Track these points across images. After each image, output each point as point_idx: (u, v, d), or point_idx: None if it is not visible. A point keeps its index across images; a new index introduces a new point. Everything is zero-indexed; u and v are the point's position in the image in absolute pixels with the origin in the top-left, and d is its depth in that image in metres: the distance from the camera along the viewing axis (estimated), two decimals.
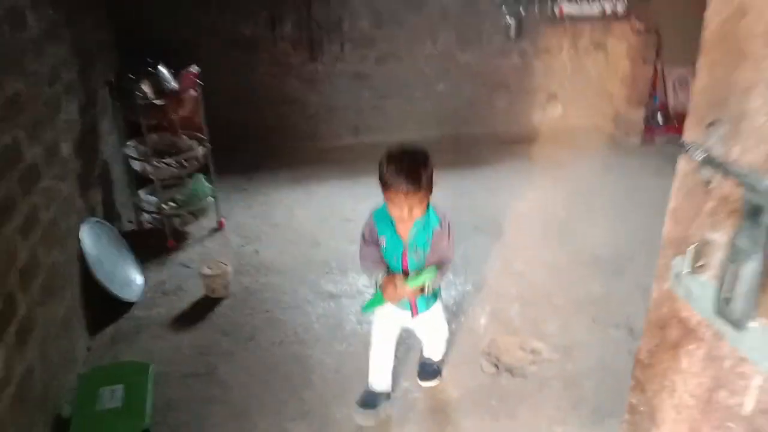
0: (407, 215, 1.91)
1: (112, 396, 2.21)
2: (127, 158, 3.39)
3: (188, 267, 3.16)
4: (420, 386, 2.39)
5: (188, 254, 3.29)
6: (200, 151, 3.44)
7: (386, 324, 2.21)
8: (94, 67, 3.24)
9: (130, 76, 3.19)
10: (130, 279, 3.00)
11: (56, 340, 2.32)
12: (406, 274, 2.00)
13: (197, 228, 3.55)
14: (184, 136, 3.50)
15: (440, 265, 2.00)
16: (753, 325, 0.71)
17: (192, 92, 3.30)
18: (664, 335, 0.88)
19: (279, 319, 2.77)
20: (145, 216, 3.52)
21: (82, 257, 2.69)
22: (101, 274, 2.76)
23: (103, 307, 2.77)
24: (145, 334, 2.70)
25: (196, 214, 3.59)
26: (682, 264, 0.81)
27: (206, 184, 3.55)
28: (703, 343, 0.80)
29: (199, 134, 3.48)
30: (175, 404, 2.32)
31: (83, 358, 2.57)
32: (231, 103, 4.20)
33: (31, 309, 2.11)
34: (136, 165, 3.34)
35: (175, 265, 3.19)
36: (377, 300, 2.05)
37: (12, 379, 1.90)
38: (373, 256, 2.03)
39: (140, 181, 3.50)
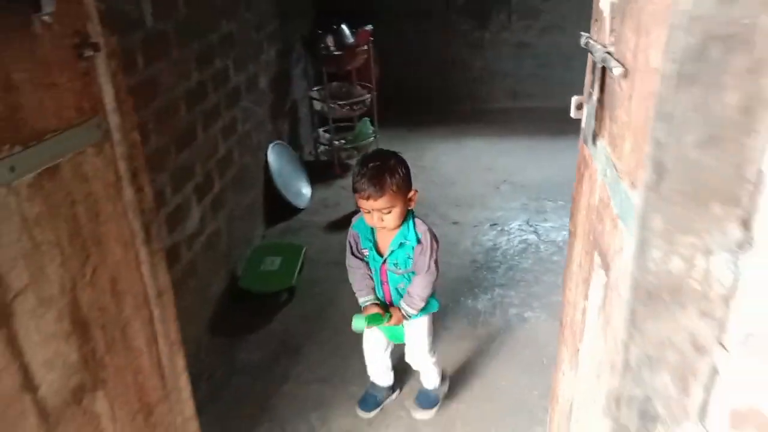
0: (378, 223, 1.82)
1: (272, 263, 2.98)
2: (311, 100, 4.19)
3: (346, 190, 3.87)
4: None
5: (348, 181, 3.99)
6: (369, 98, 4.12)
7: (374, 333, 2.13)
8: (292, 22, 4.05)
9: (319, 31, 3.96)
10: (302, 192, 3.79)
11: (239, 221, 3.14)
12: (387, 290, 1.99)
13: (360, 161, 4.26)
14: (357, 85, 4.21)
15: (414, 289, 1.91)
16: (598, 143, 1.10)
17: (365, 47, 3.98)
18: (581, 173, 1.28)
19: None
20: (321, 148, 4.31)
21: (266, 168, 3.51)
22: (280, 184, 3.56)
23: (278, 209, 3.58)
24: (306, 232, 3.45)
25: (360, 150, 4.29)
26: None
27: (370, 126, 4.24)
28: (589, 168, 1.19)
29: (368, 84, 4.16)
30: (317, 280, 3.01)
31: (258, 240, 3.39)
32: (402, 62, 4.84)
33: (223, 190, 2.92)
34: (318, 106, 4.13)
35: (336, 187, 3.93)
36: (369, 320, 1.94)
37: (204, 232, 2.71)
38: (359, 272, 1.98)
39: (319, 120, 4.30)
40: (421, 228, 1.88)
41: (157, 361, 1.64)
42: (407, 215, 1.87)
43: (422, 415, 2.15)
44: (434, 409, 2.17)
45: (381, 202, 1.77)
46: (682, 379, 0.73)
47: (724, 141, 0.59)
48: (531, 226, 3.37)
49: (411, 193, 1.86)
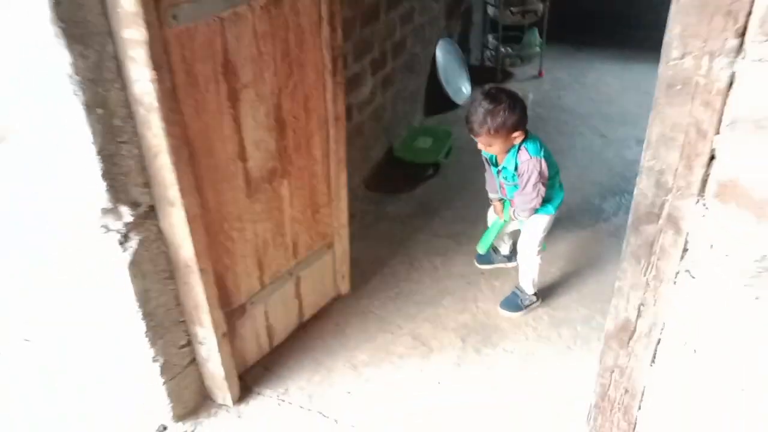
0: (484, 149, 2.15)
1: (425, 141, 3.41)
2: (485, 5, 4.44)
3: None
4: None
5: (509, 86, 4.26)
6: (541, 9, 4.28)
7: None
8: None
9: None
10: (462, 89, 4.13)
11: (403, 102, 3.58)
12: (503, 191, 2.29)
13: (522, 71, 4.49)
14: None
15: (518, 205, 2.20)
16: None
17: None
18: None
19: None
20: (487, 53, 4.58)
21: (433, 61, 3.88)
22: (443, 78, 3.93)
23: (438, 100, 3.96)
24: (458, 125, 3.78)
25: (525, 60, 4.50)
26: None
27: (539, 38, 4.42)
28: None
29: None
30: (460, 163, 3.38)
31: (416, 123, 3.82)
32: None
33: (394, 71, 3.35)
34: (491, 11, 4.38)
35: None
36: (490, 234, 2.39)
37: (373, 102, 3.17)
38: (487, 174, 2.34)
39: (491, 27, 4.54)
40: (523, 158, 2.10)
41: (327, 171, 2.14)
42: (516, 145, 2.10)
43: (504, 314, 2.35)
44: (518, 314, 2.34)
45: (480, 139, 2.08)
46: (688, 158, 1.03)
47: None
48: None
49: (515, 134, 2.06)
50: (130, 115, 1.51)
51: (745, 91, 0.93)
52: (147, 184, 1.61)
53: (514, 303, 2.37)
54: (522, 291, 2.37)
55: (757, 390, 1.15)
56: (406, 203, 3.06)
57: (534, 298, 2.37)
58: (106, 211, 1.56)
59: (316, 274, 2.27)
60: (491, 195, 2.39)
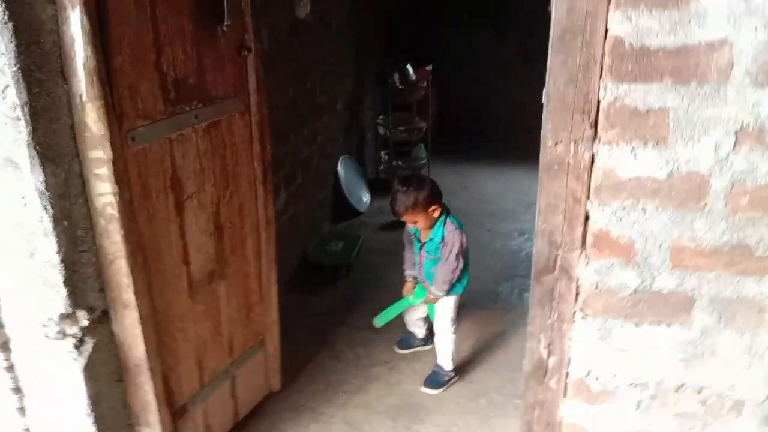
0: (413, 225, 2.46)
1: (336, 245, 3.69)
2: (376, 126, 4.96)
3: None
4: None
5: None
6: (425, 127, 4.85)
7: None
8: (367, 59, 4.85)
9: (387, 69, 4.75)
10: (363, 199, 4.51)
11: (313, 211, 3.87)
12: (421, 269, 2.54)
13: None
14: (416, 116, 4.95)
15: (439, 276, 2.43)
16: None
17: (424, 84, 4.74)
18: None
19: None
20: (381, 167, 5.05)
21: (336, 175, 4.25)
22: (346, 189, 4.29)
23: (342, 210, 4.29)
24: (364, 229, 4.15)
25: (414, 171, 4.99)
26: None
27: (425, 152, 4.96)
28: None
29: (426, 115, 4.90)
30: (369, 263, 3.67)
31: (325, 231, 4.10)
32: (458, 99, 5.56)
33: (304, 184, 3.66)
34: (381, 131, 4.89)
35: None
36: (392, 310, 2.62)
37: (287, 212, 3.43)
38: (408, 251, 2.61)
39: (382, 144, 5.05)
40: (449, 228, 2.41)
41: (259, 272, 2.33)
42: (440, 218, 2.42)
43: (428, 391, 2.55)
44: (439, 390, 2.55)
45: (405, 218, 2.43)
46: (569, 220, 1.37)
47: (576, 81, 1.25)
48: None
49: (432, 207, 2.38)
50: (91, 226, 1.66)
51: (601, 166, 1.30)
52: (102, 290, 1.73)
53: (435, 381, 2.59)
54: (441, 368, 2.60)
55: (653, 404, 1.45)
56: (324, 302, 3.26)
57: (452, 374, 2.60)
58: (63, 317, 1.66)
59: (251, 371, 2.38)
60: (407, 273, 2.65)
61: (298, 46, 3.45)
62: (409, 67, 4.77)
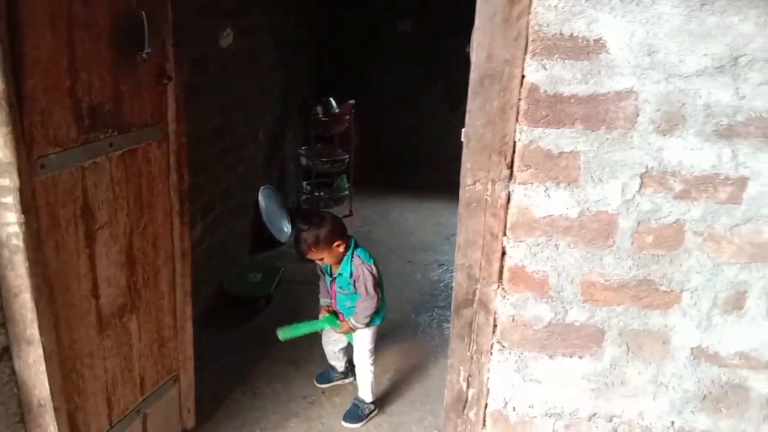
0: (321, 263, 2.49)
1: (255, 276, 3.62)
2: (299, 157, 4.95)
3: None
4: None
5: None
6: (347, 159, 4.89)
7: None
8: (292, 92, 4.86)
9: (311, 101, 4.77)
10: (283, 229, 4.46)
11: (231, 243, 3.79)
12: (334, 303, 2.58)
13: (335, 211, 4.95)
14: (338, 148, 4.98)
15: (358, 308, 2.46)
16: None
17: (347, 117, 4.79)
18: None
19: None
20: (303, 197, 5.03)
21: (257, 205, 4.19)
22: (266, 220, 4.23)
23: (263, 240, 4.23)
24: (284, 260, 4.09)
25: (336, 201, 5.01)
26: None
27: (347, 183, 4.99)
28: None
29: (348, 148, 4.94)
30: (289, 293, 3.62)
31: (244, 261, 4.02)
32: (381, 134, 5.64)
33: (222, 214, 3.59)
34: (304, 161, 4.89)
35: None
36: (300, 328, 2.60)
37: (203, 243, 3.35)
38: (321, 282, 2.64)
39: (304, 174, 5.04)
40: (356, 262, 2.43)
41: (173, 305, 2.26)
42: (347, 253, 2.44)
43: (348, 426, 2.55)
44: (360, 424, 2.55)
45: (310, 257, 2.43)
46: (487, 255, 1.41)
47: (494, 124, 1.30)
48: None
49: (336, 243, 2.40)
50: None
51: (517, 204, 1.36)
52: (4, 324, 1.62)
53: (355, 414, 2.57)
54: (362, 402, 2.59)
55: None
56: (242, 335, 3.18)
57: (372, 407, 2.59)
58: None
59: (163, 409, 2.28)
60: (322, 301, 2.66)
61: (224, 76, 3.42)
62: (332, 99, 4.81)
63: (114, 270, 1.93)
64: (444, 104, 5.69)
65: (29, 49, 1.51)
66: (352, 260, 2.45)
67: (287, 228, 4.51)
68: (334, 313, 2.59)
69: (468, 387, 1.53)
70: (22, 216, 1.53)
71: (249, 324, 3.30)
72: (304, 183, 5.06)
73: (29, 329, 1.62)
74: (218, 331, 3.17)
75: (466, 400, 1.55)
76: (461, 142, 1.43)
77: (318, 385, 2.78)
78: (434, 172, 5.87)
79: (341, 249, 2.43)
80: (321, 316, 2.61)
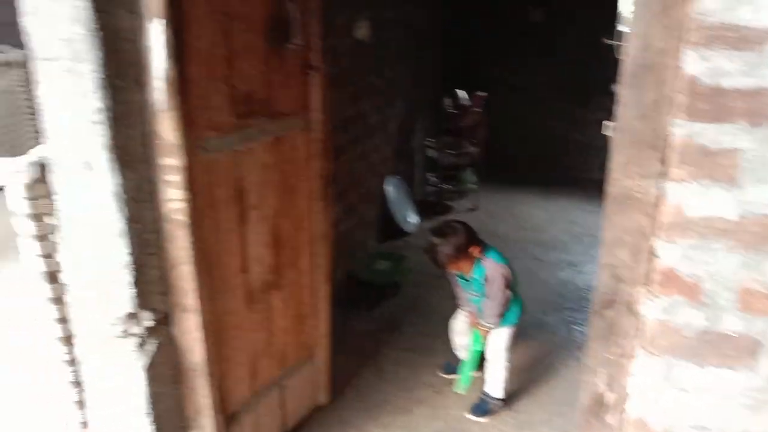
0: (455, 271, 2.48)
1: (383, 264, 3.70)
2: (426, 149, 4.99)
3: None
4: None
5: (447, 217, 4.71)
6: (474, 152, 4.86)
7: (459, 317, 2.72)
8: (422, 83, 4.91)
9: (440, 93, 4.79)
10: (409, 219, 4.52)
11: (360, 230, 3.90)
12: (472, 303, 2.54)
13: (459, 205, 4.97)
14: (466, 141, 4.97)
15: (486, 309, 2.44)
16: None
17: (477, 110, 4.75)
18: None
19: None
20: (428, 189, 5.07)
21: (384, 195, 4.28)
22: (393, 209, 4.32)
23: (389, 229, 4.31)
24: (409, 250, 4.15)
25: (461, 195, 5.00)
26: None
27: (473, 176, 4.96)
28: None
29: (475, 140, 4.91)
30: (414, 284, 3.67)
31: (371, 249, 4.13)
32: (507, 127, 5.56)
33: (353, 202, 3.70)
34: (431, 154, 4.92)
35: (437, 221, 4.63)
36: (465, 369, 2.59)
37: (336, 228, 3.47)
38: (455, 287, 2.63)
39: (431, 166, 5.08)
40: (488, 265, 2.43)
41: (312, 285, 2.36)
42: (478, 258, 2.43)
43: (474, 419, 2.52)
44: (485, 418, 2.51)
45: (449, 268, 2.46)
46: (635, 255, 1.35)
47: (648, 117, 1.24)
48: None
49: (471, 250, 2.41)
50: (157, 230, 1.72)
51: (670, 203, 1.29)
52: (165, 293, 1.79)
53: (482, 408, 2.56)
54: (489, 396, 2.57)
55: None
56: (369, 320, 3.28)
57: (500, 403, 2.57)
58: (129, 317, 1.72)
59: (300, 383, 2.41)
60: (464, 309, 2.66)
61: (357, 67, 3.52)
62: (462, 91, 4.79)
63: (261, 249, 2.06)
64: (575, 97, 5.49)
65: (192, 39, 1.64)
66: (484, 263, 2.44)
67: (413, 219, 4.57)
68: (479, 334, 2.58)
69: (608, 390, 1.48)
70: (185, 193, 1.67)
71: (376, 310, 3.39)
72: (431, 175, 5.09)
73: (187, 298, 1.77)
74: (346, 315, 3.28)
75: (605, 404, 1.50)
76: (592, 137, 1.37)
77: (444, 375, 2.80)
78: (564, 168, 5.71)
79: (477, 254, 2.43)
80: (472, 323, 2.59)
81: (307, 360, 2.41)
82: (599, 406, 1.50)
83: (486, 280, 2.44)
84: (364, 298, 3.46)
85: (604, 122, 1.75)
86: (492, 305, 2.44)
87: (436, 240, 2.42)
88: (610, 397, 1.48)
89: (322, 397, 2.55)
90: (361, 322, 3.26)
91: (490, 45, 5.59)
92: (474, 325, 2.58)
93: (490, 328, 2.50)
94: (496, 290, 2.42)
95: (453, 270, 2.49)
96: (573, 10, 5.28)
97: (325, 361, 2.50)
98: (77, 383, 1.87)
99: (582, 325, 3.26)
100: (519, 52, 5.57)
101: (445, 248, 2.40)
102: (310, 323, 2.40)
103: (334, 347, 2.56)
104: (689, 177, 1.27)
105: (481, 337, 2.54)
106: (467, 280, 2.52)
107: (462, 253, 2.41)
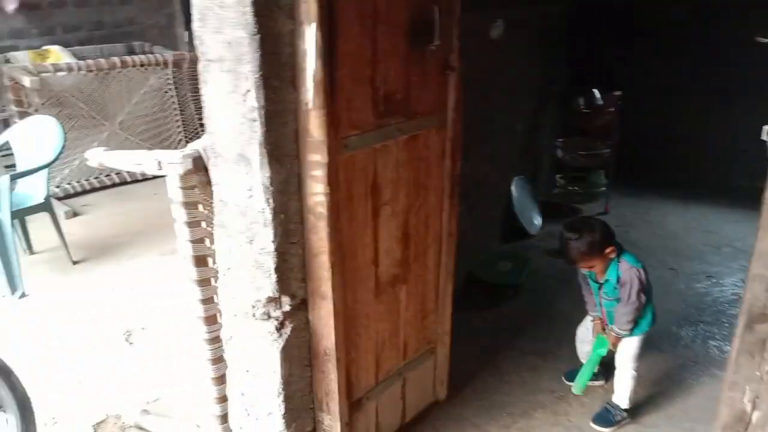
0: (588, 271, 2.42)
1: (505, 265, 3.67)
2: (554, 148, 4.86)
3: None
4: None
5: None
6: (606, 153, 4.68)
7: (585, 322, 2.66)
8: (551, 82, 4.79)
9: (572, 91, 4.65)
10: (533, 221, 4.44)
11: (482, 229, 3.89)
12: (603, 311, 2.48)
13: (588, 208, 4.79)
14: (597, 141, 4.78)
15: (620, 316, 2.36)
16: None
17: (611, 109, 4.57)
18: None
19: None
20: (555, 191, 4.94)
21: (509, 195, 4.24)
22: (517, 210, 4.26)
23: (512, 230, 4.26)
24: (533, 252, 4.08)
25: (591, 198, 4.82)
26: None
27: (603, 178, 4.77)
28: None
29: (608, 141, 4.72)
30: (537, 286, 3.61)
31: (493, 248, 4.10)
32: (642, 129, 5.27)
33: (477, 201, 3.69)
34: (559, 154, 4.79)
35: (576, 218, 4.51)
36: (586, 370, 2.49)
37: (462, 224, 3.48)
38: (584, 290, 2.56)
39: (558, 167, 4.94)
40: (624, 267, 2.34)
41: (437, 281, 2.41)
42: (615, 259, 2.35)
43: (597, 428, 2.46)
44: (610, 429, 2.45)
45: (580, 266, 2.41)
46: None
47: None
48: None
49: (607, 250, 2.33)
50: (301, 221, 1.84)
51: None
52: (304, 280, 1.90)
53: (606, 418, 2.48)
54: (614, 407, 2.49)
55: None
56: (489, 321, 3.27)
57: (625, 414, 2.48)
58: (270, 300, 1.84)
59: (420, 377, 2.46)
60: (591, 314, 2.59)
61: (488, 66, 3.50)
62: (596, 90, 4.63)
63: (392, 243, 2.13)
64: (717, 98, 5.11)
65: (342, 43, 1.72)
66: (619, 265, 2.36)
67: (537, 221, 4.48)
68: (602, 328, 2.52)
69: (753, 408, 1.40)
70: (328, 188, 1.76)
71: (496, 311, 3.38)
72: (558, 176, 4.96)
73: (323, 286, 1.87)
74: (467, 313, 3.28)
75: (749, 422, 1.41)
76: (737, 141, 1.29)
77: (566, 382, 2.73)
78: (703, 173, 5.33)
79: (612, 255, 2.36)
80: (595, 332, 2.54)
81: (428, 354, 2.46)
82: (742, 423, 1.42)
83: (620, 283, 2.36)
84: (484, 298, 3.46)
85: (764, 127, 1.65)
86: (626, 311, 2.36)
87: (570, 235, 2.36)
88: (755, 415, 1.39)
89: (441, 393, 2.58)
90: (481, 322, 3.25)
91: (627, 44, 5.34)
92: (601, 331, 2.50)
93: (621, 336, 2.41)
94: (633, 296, 2.33)
95: (584, 268, 2.42)
96: (718, 8, 4.92)
97: (445, 357, 2.53)
98: (217, 360, 2.04)
99: (719, 340, 3.06)
100: (658, 51, 5.27)
101: (578, 244, 2.34)
102: (433, 318, 2.44)
103: (455, 345, 2.58)
104: None
105: (607, 343, 2.46)
106: (598, 283, 2.45)
107: (596, 251, 2.34)
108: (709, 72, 5.13)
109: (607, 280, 2.40)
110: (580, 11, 4.94)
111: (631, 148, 4.91)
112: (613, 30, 5.26)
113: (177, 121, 5.54)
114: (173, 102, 5.48)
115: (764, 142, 1.72)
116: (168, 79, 5.37)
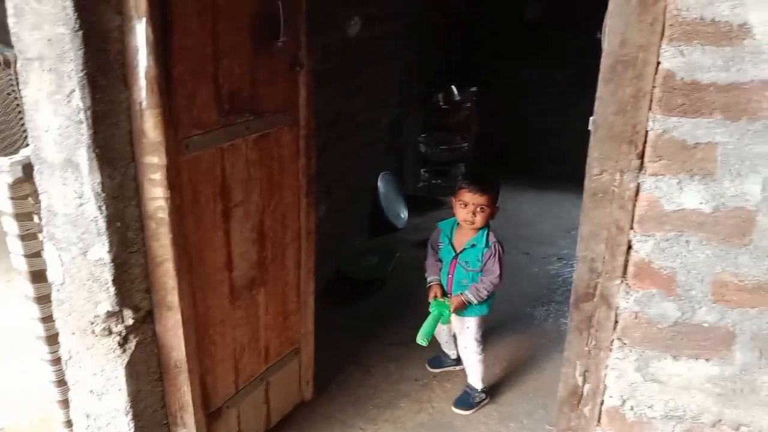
0: (469, 217, 2.35)
1: (371, 260, 3.71)
2: (418, 144, 4.99)
3: (436, 219, 4.55)
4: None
5: (441, 214, 4.71)
6: (465, 147, 4.87)
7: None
8: (413, 80, 4.90)
9: (432, 88, 4.79)
10: (400, 215, 4.53)
11: (348, 226, 3.91)
12: (451, 280, 2.46)
13: (451, 200, 4.96)
14: (457, 136, 4.97)
15: (482, 283, 2.38)
16: None
17: (468, 105, 4.76)
18: None
19: None
20: (420, 185, 5.08)
21: (375, 190, 4.29)
22: (384, 205, 4.33)
23: (380, 225, 4.32)
24: (400, 245, 4.16)
25: (453, 190, 4.99)
26: None
27: (465, 170, 4.97)
28: None
29: (466, 136, 4.92)
30: (403, 279, 3.67)
31: (360, 243, 4.14)
32: (498, 123, 5.55)
33: (341, 198, 3.71)
34: (422, 149, 4.93)
35: (429, 216, 4.64)
36: (428, 325, 2.39)
37: (323, 224, 3.48)
38: (431, 259, 2.54)
39: (422, 162, 5.08)
40: (492, 238, 2.41)
41: (297, 281, 2.37)
42: (486, 225, 2.42)
43: (458, 411, 2.54)
44: (470, 411, 2.54)
45: (482, 199, 2.35)
46: (611, 248, 1.37)
47: (625, 112, 1.26)
48: None
49: (496, 207, 2.43)
50: (141, 228, 1.73)
51: (646, 197, 1.30)
52: (148, 290, 1.80)
53: (466, 401, 2.58)
54: (473, 389, 2.59)
55: None
56: (355, 316, 3.29)
57: (483, 396, 2.59)
58: (110, 314, 1.72)
59: (284, 379, 2.42)
60: (431, 278, 2.53)
61: (348, 63, 3.52)
62: (453, 87, 4.80)
63: (246, 245, 2.07)
64: (568, 94, 5.50)
65: (178, 38, 1.64)
66: (488, 235, 2.42)
67: (404, 214, 4.58)
68: (444, 295, 2.48)
69: (584, 382, 1.50)
70: (168, 191, 1.67)
71: (363, 305, 3.41)
72: (422, 170, 5.10)
73: (170, 296, 1.78)
74: (333, 310, 3.29)
75: (582, 395, 1.52)
76: (584, 134, 1.39)
77: (429, 369, 2.81)
78: (555, 164, 5.70)
79: (494, 216, 2.43)
80: (431, 296, 2.50)
81: (292, 356, 2.43)
82: (576, 397, 1.52)
83: (487, 253, 2.39)
84: (350, 294, 3.47)
85: (591, 118, 1.77)
86: (489, 279, 2.39)
87: (486, 170, 2.42)
88: (586, 388, 1.50)
89: (307, 393, 2.56)
90: (348, 318, 3.27)
91: (485, 42, 5.59)
92: (441, 297, 2.45)
93: (472, 302, 2.40)
94: (498, 266, 2.39)
95: (470, 207, 2.37)
96: (572, 8, 5.28)
97: (310, 357, 2.51)
98: (61, 382, 1.88)
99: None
100: (513, 49, 5.56)
101: (493, 181, 2.43)
102: (295, 319, 2.41)
103: (319, 343, 2.57)
104: (665, 171, 1.29)
105: (447, 306, 2.41)
106: (455, 252, 2.46)
107: (495, 200, 2.41)
108: (559, 69, 5.50)
109: (473, 245, 2.41)
110: (441, 10, 5.11)
111: (489, 142, 5.17)
112: (474, 30, 5.49)
113: (22, 125, 5.06)
114: (17, 105, 4.99)
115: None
116: (11, 79, 4.88)
